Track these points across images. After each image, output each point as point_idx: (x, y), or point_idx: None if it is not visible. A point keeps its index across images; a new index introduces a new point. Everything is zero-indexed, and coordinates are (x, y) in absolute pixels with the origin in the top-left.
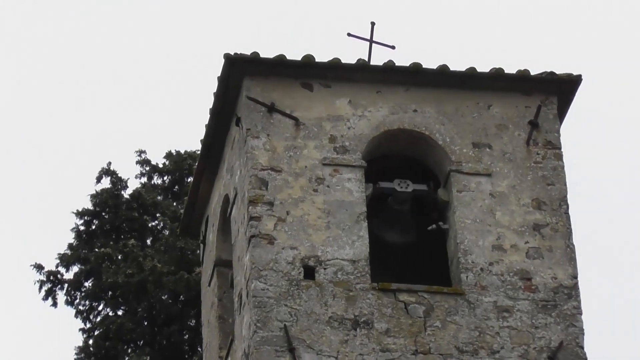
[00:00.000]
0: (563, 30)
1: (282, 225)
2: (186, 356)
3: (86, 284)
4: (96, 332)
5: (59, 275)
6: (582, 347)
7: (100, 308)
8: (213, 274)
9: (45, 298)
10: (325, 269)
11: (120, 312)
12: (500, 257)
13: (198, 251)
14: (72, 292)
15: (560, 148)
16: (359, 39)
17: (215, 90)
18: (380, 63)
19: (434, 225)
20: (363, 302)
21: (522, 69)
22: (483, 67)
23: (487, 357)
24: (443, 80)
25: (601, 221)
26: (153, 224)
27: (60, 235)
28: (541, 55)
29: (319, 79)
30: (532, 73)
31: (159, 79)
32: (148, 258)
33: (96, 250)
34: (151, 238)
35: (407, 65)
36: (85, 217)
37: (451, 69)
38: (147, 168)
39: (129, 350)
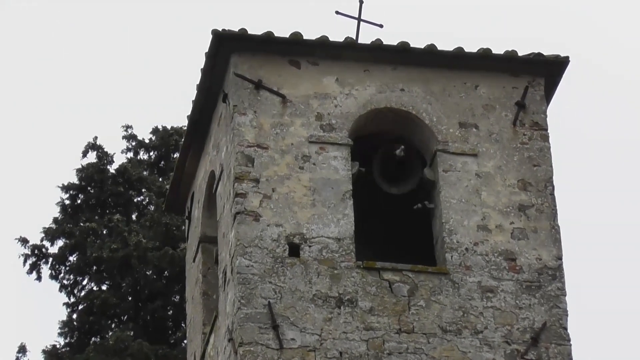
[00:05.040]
0: (551, 12)
1: (267, 202)
2: (170, 332)
3: (71, 258)
4: (80, 307)
5: (43, 249)
6: (565, 329)
7: (84, 282)
8: (198, 250)
9: (30, 272)
10: (310, 246)
11: (104, 287)
12: (485, 238)
13: (183, 227)
14: (57, 266)
15: (546, 129)
16: (347, 17)
17: (202, 67)
18: (368, 42)
19: (419, 205)
20: (347, 281)
21: (510, 49)
22: (471, 47)
23: (470, 337)
24: (431, 60)
25: (587, 202)
26: (138, 199)
27: (45, 209)
28: (529, 36)
29: (306, 57)
30: (520, 54)
31: (146, 54)
32: (133, 233)
33: (81, 224)
34: (136, 213)
35: (395, 44)
36: (71, 192)
37: (439, 48)
38: (134, 143)
39: (113, 325)
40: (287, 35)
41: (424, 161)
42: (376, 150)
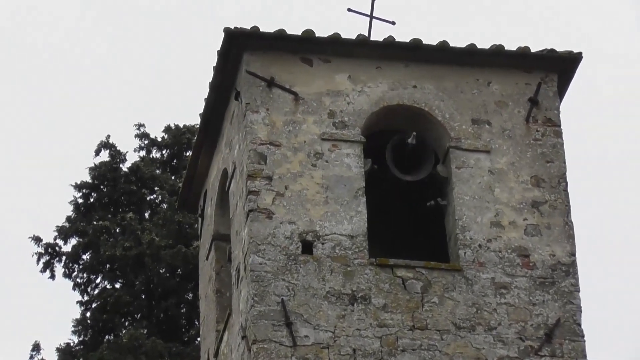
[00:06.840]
0: (564, 8)
1: (280, 200)
2: (183, 330)
3: (84, 256)
4: (94, 305)
5: (57, 248)
6: (579, 324)
7: (97, 281)
8: (211, 247)
9: (44, 270)
10: (323, 243)
11: (117, 285)
12: (498, 234)
13: (196, 225)
14: (70, 265)
15: (559, 125)
16: (359, 14)
17: (214, 65)
18: (381, 39)
19: (432, 202)
20: (361, 278)
21: (523, 46)
22: (483, 44)
23: (484, 334)
24: (443, 57)
25: (600, 199)
26: (151, 197)
27: (58, 207)
28: (542, 32)
29: (318, 54)
30: (533, 50)
31: (158, 53)
32: (146, 231)
33: (94, 223)
34: (149, 211)
35: (407, 41)
36: (84, 190)
37: (451, 45)
38: (146, 141)
39: (126, 323)
40: (299, 33)
41: (436, 151)
42: (388, 140)
